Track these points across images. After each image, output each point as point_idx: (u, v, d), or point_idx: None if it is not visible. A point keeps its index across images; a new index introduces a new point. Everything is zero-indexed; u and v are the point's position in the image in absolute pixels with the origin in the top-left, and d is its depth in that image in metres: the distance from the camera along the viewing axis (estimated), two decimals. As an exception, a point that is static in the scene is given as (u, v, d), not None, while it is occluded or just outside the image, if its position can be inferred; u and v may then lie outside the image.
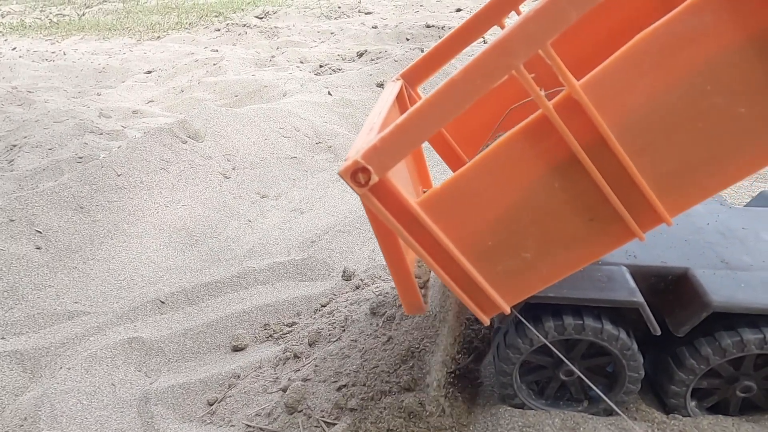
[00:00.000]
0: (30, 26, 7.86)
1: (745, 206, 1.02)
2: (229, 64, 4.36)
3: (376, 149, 0.59)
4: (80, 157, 2.44)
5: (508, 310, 0.73)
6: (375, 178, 0.60)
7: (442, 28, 5.24)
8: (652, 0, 0.94)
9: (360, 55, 4.63)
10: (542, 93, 0.57)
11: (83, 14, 8.85)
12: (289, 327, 1.43)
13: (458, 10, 6.63)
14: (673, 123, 0.58)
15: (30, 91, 3.91)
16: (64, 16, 8.82)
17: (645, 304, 0.74)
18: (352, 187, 0.61)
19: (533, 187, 0.64)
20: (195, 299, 1.61)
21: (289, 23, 6.93)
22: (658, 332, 0.76)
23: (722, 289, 0.75)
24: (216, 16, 7.82)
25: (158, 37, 6.51)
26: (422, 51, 3.68)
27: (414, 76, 1.04)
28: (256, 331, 1.47)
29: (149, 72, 4.63)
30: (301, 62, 4.55)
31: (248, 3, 8.75)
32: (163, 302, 1.59)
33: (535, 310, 0.78)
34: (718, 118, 0.58)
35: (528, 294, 0.72)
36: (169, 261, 1.81)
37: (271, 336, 1.43)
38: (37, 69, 4.82)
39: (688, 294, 0.77)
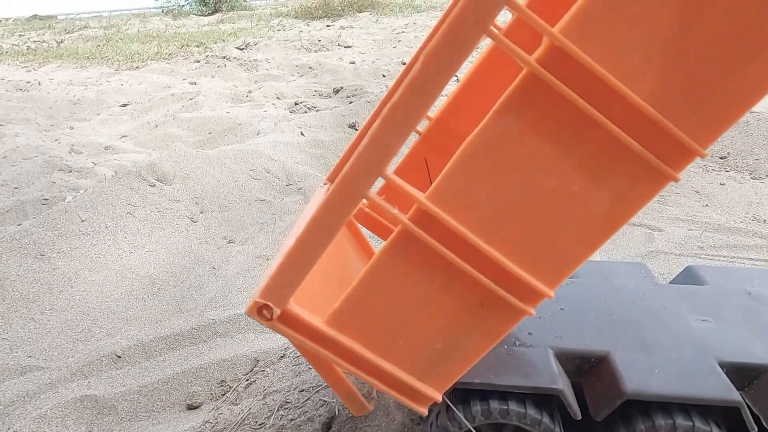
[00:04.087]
0: (7, 52, 7.82)
1: (671, 282, 1.08)
2: (205, 99, 4.40)
3: (270, 287, 0.64)
4: (46, 199, 2.43)
5: (440, 398, 0.77)
6: (277, 312, 0.65)
7: (417, 66, 5.38)
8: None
9: (336, 91, 4.72)
10: (395, 210, 0.62)
11: (62, 41, 8.84)
12: (246, 384, 1.44)
13: (434, 46, 6.81)
14: (521, 211, 0.62)
15: (1, 124, 3.88)
16: (42, 42, 8.80)
17: (564, 391, 0.78)
18: (260, 322, 0.66)
19: (418, 291, 0.68)
20: (152, 353, 1.60)
21: (269, 55, 7.03)
22: (579, 417, 0.80)
23: (637, 375, 0.79)
24: (197, 47, 7.89)
25: (137, 67, 6.53)
26: (395, 92, 3.77)
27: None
28: (212, 387, 1.47)
29: (125, 105, 4.64)
30: (278, 98, 4.62)
31: (230, 34, 8.86)
32: (119, 356, 1.58)
33: (464, 393, 0.82)
34: (559, 198, 0.61)
35: (453, 380, 0.76)
36: (130, 311, 1.80)
37: (225, 393, 1.44)
38: (10, 99, 4.79)
39: (607, 379, 0.81)
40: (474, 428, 0.83)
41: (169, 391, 1.46)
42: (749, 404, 0.80)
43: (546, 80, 0.55)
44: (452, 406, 0.79)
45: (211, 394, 1.45)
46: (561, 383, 0.78)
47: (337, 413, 1.04)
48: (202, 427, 1.29)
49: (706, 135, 0.57)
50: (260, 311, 0.68)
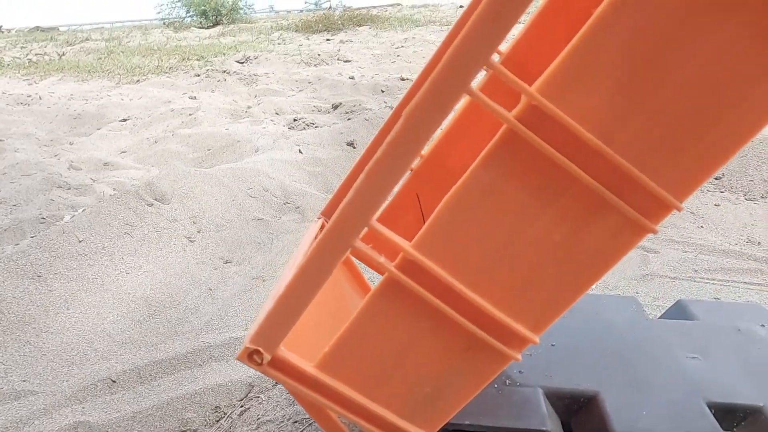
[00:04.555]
0: (8, 65, 7.87)
1: (660, 317, 1.09)
2: (205, 115, 4.42)
3: (259, 334, 0.65)
4: (43, 218, 2.44)
5: None
6: (268, 357, 0.66)
7: (416, 82, 5.43)
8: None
9: (335, 107, 4.75)
10: (382, 259, 0.63)
11: (63, 53, 8.90)
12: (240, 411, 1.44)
13: (433, 62, 6.86)
14: (506, 260, 0.63)
15: (1, 139, 3.90)
16: (44, 55, 8.86)
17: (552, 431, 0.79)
18: (251, 368, 0.67)
19: (406, 337, 0.69)
20: (147, 378, 1.60)
21: (269, 69, 7.08)
22: (566, 458, 0.81)
23: (625, 417, 0.80)
24: (197, 60, 7.95)
25: (137, 80, 6.58)
26: (391, 108, 3.80)
27: (334, 211, 1.10)
28: (207, 413, 1.47)
29: (125, 120, 4.66)
30: (277, 114, 4.65)
31: (230, 47, 8.94)
32: (114, 381, 1.58)
33: (455, 434, 0.82)
34: (542, 248, 0.62)
35: (443, 421, 0.76)
36: (125, 334, 1.80)
37: (220, 420, 1.44)
38: (11, 113, 4.82)
39: (596, 419, 0.82)
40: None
41: (164, 418, 1.46)
42: (737, 445, 0.81)
43: (524, 136, 0.56)
44: (442, 448, 0.80)
45: (206, 421, 1.45)
46: (550, 424, 0.78)
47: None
48: (196, 456, 1.29)
49: (682, 190, 0.58)
50: (251, 357, 0.69)
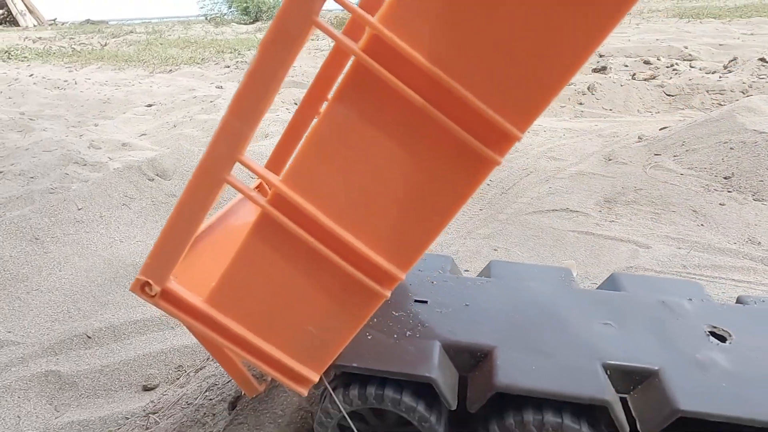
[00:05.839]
0: (54, 54, 8.28)
1: (597, 288, 1.07)
2: (225, 102, 4.54)
3: (149, 265, 0.69)
4: (53, 189, 2.58)
5: (316, 379, 0.79)
6: (157, 289, 0.70)
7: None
8: None
9: (352, 99, 4.79)
10: (253, 192, 0.65)
11: (106, 44, 9.29)
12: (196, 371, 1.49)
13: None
14: (370, 196, 0.64)
15: (32, 119, 4.12)
16: (87, 45, 9.27)
17: (437, 380, 0.79)
18: (144, 299, 0.71)
19: (285, 275, 0.71)
20: (121, 336, 1.68)
21: (297, 63, 7.19)
22: (453, 407, 0.81)
23: (512, 371, 0.79)
24: (230, 53, 8.15)
25: (170, 70, 6.81)
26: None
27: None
28: (170, 371, 1.53)
29: (150, 105, 4.84)
30: (295, 104, 4.73)
31: (262, 42, 9.12)
32: (89, 337, 1.66)
33: (348, 378, 0.84)
34: (399, 183, 0.63)
35: (328, 362, 0.78)
36: (109, 296, 1.89)
37: (180, 377, 1.49)
38: (46, 96, 5.08)
39: (485, 372, 0.82)
40: (356, 413, 0.85)
41: (129, 372, 1.53)
42: (632, 407, 0.80)
43: (370, 67, 0.58)
44: (330, 389, 0.81)
45: (167, 377, 1.51)
46: (435, 373, 0.79)
47: (243, 394, 1.08)
48: (146, 406, 1.35)
49: (521, 120, 0.59)
50: (143, 288, 0.72)
